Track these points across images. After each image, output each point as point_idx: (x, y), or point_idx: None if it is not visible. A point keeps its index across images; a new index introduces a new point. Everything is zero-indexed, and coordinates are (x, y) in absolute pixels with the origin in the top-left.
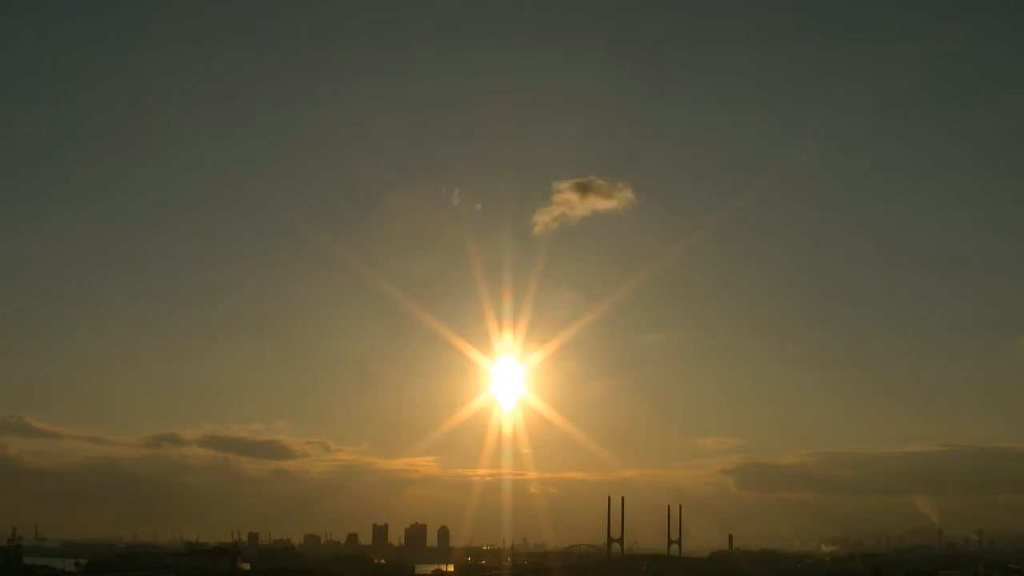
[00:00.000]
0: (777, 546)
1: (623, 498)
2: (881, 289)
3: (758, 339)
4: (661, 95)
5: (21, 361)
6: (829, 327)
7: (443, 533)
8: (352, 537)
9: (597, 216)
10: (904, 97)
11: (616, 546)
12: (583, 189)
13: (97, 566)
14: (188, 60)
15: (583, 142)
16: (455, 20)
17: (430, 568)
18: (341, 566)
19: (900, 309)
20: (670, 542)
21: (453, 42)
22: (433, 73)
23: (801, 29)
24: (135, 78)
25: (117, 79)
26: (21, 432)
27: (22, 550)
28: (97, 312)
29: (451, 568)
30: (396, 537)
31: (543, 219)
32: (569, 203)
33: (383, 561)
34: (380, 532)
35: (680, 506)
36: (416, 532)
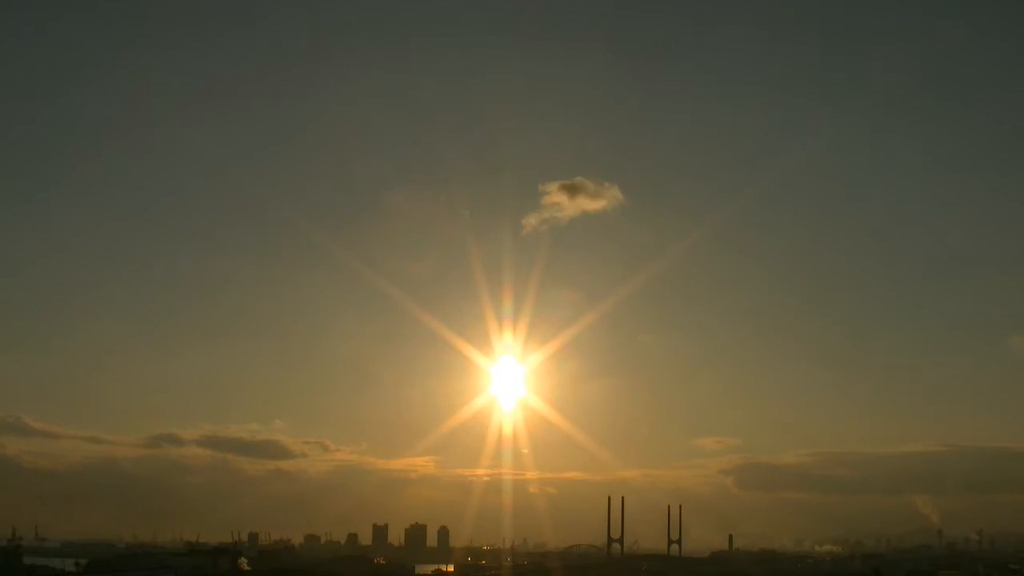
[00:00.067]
0: (772, 546)
1: (623, 498)
2: (881, 288)
3: (757, 339)
4: (661, 94)
5: (18, 361)
6: (828, 327)
7: (443, 533)
8: (352, 537)
9: (597, 216)
10: (905, 95)
11: (616, 546)
12: (582, 188)
13: (97, 566)
14: (187, 57)
15: (583, 141)
16: (455, 18)
17: (430, 568)
18: (341, 566)
19: (900, 308)
20: (670, 542)
21: (453, 40)
22: (433, 71)
23: (801, 28)
24: (133, 75)
25: (114, 76)
26: (19, 432)
27: (22, 550)
28: (94, 311)
29: (451, 568)
30: (396, 537)
31: (542, 218)
32: (569, 203)
33: (383, 561)
34: (380, 532)
35: (680, 506)
36: (416, 532)
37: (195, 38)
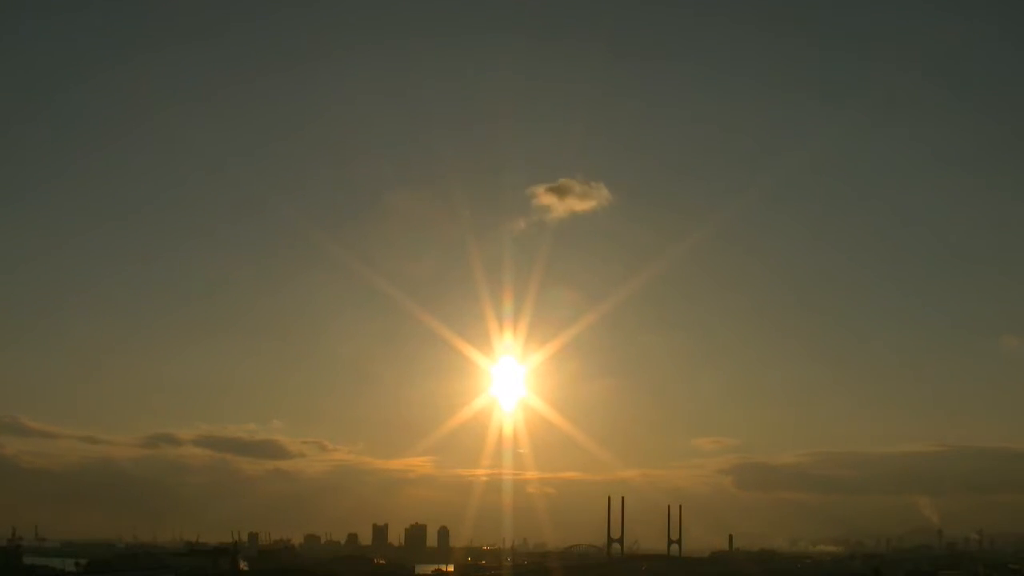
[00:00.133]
0: (768, 546)
1: (623, 498)
2: (879, 288)
3: (755, 339)
4: (661, 93)
5: (15, 360)
6: (826, 326)
7: (443, 533)
8: (352, 537)
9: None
10: (905, 94)
11: (616, 546)
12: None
13: (97, 566)
14: (186, 55)
15: (584, 140)
16: (454, 17)
17: (430, 568)
18: (341, 566)
19: (898, 308)
20: (670, 542)
21: (452, 38)
22: (432, 70)
23: (801, 26)
24: (131, 72)
25: (113, 74)
26: (16, 432)
27: (22, 550)
28: (92, 310)
29: (451, 568)
30: (396, 537)
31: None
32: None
33: (383, 561)
34: (380, 532)
35: (680, 506)
36: (416, 532)
37: (194, 36)
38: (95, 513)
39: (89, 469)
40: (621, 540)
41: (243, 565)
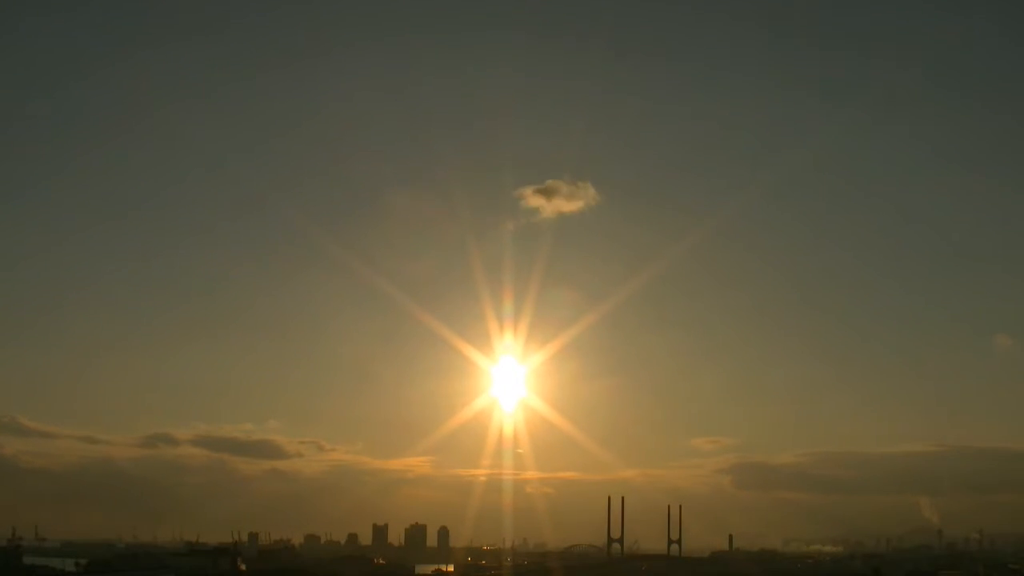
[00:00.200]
0: (762, 546)
1: (623, 498)
2: (878, 287)
3: (753, 339)
4: (662, 92)
5: (13, 360)
6: (824, 326)
7: (443, 533)
8: (352, 537)
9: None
10: (905, 92)
11: (616, 546)
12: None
13: (97, 566)
14: (185, 52)
15: (584, 139)
16: (454, 14)
17: (430, 568)
18: (341, 566)
19: (897, 306)
20: (670, 542)
21: (452, 36)
22: (432, 68)
23: (801, 26)
24: (131, 70)
25: (112, 71)
26: (14, 432)
27: (22, 550)
28: (90, 309)
29: (451, 568)
30: (396, 537)
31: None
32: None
33: (383, 561)
34: (380, 532)
35: (680, 506)
36: (416, 532)
37: (194, 33)
38: (95, 513)
39: (88, 469)
40: (621, 540)
41: (242, 565)
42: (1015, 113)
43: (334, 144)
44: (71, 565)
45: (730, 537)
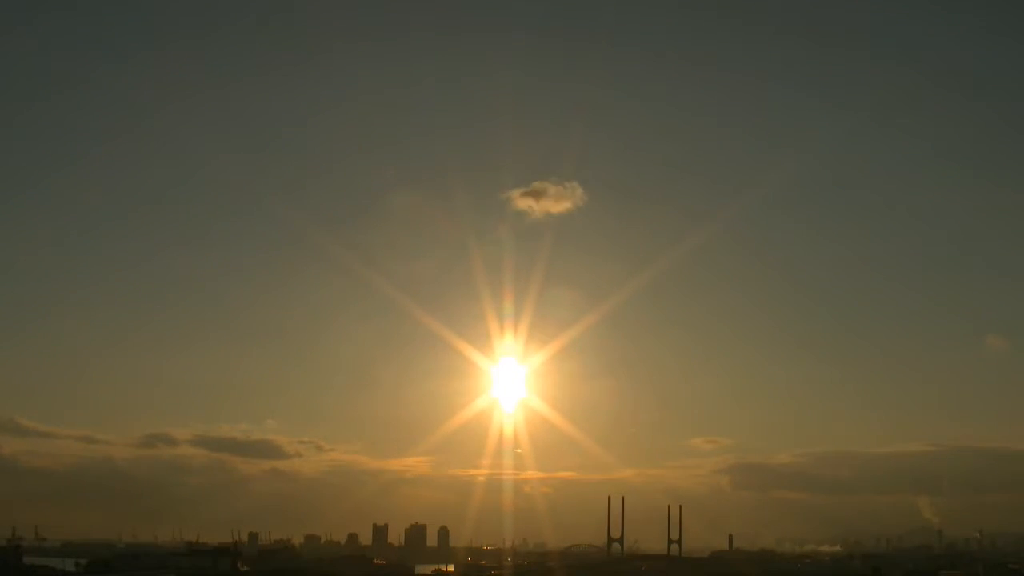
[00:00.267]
0: (757, 545)
1: (623, 498)
2: (875, 288)
3: (750, 339)
4: (661, 93)
5: (10, 360)
6: (821, 327)
7: (443, 533)
8: (352, 537)
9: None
10: (905, 94)
11: (616, 546)
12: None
13: (97, 566)
14: (185, 54)
15: (584, 139)
16: (454, 15)
17: (430, 568)
18: (341, 566)
19: (894, 307)
20: (670, 542)
21: (452, 38)
22: (432, 69)
23: (802, 25)
24: (130, 71)
25: (111, 72)
26: (12, 432)
27: (22, 550)
28: (87, 310)
29: (451, 568)
30: (396, 537)
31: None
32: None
33: (383, 561)
34: (380, 532)
35: (680, 506)
36: (416, 532)
37: (193, 34)
38: (95, 513)
39: (87, 469)
40: (621, 540)
41: (242, 566)
42: (1015, 113)
43: (334, 145)
44: (71, 565)
45: (730, 537)
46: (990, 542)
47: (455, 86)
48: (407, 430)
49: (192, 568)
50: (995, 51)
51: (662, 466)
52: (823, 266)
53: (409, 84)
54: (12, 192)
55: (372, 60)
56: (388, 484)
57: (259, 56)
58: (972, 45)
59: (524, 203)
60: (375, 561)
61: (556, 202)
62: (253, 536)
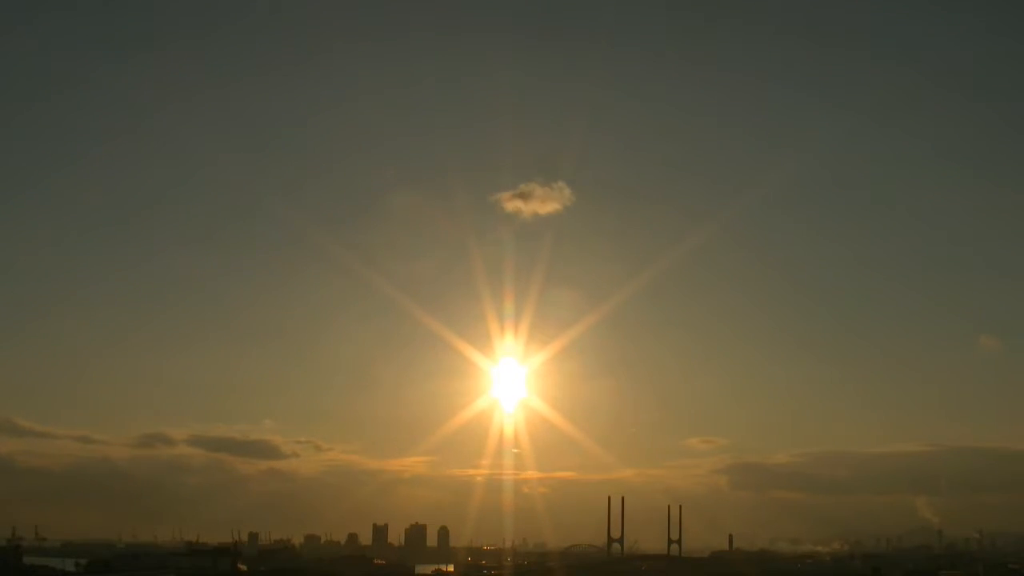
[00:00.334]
0: (753, 545)
1: (623, 498)
2: (872, 288)
3: (747, 339)
4: (661, 93)
5: (7, 360)
6: (818, 327)
7: (443, 533)
8: (352, 537)
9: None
10: (905, 95)
11: (616, 546)
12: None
13: (97, 566)
14: (185, 54)
15: (584, 140)
16: (455, 16)
17: (430, 568)
18: (341, 566)
19: (891, 307)
20: (670, 542)
21: (453, 37)
22: (433, 69)
23: (802, 25)
24: (130, 72)
25: (111, 72)
26: (9, 432)
27: (22, 550)
28: (84, 310)
29: (451, 568)
30: (396, 537)
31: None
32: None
33: (383, 561)
34: (380, 532)
35: (680, 506)
36: (416, 532)
37: (193, 35)
38: (94, 513)
39: (85, 468)
40: (621, 540)
41: (242, 565)
42: (1015, 113)
43: (334, 145)
44: (71, 565)
45: (730, 537)
46: (990, 542)
47: (455, 86)
48: (407, 430)
49: (192, 568)
50: (995, 51)
51: (660, 466)
52: (822, 266)
53: (409, 84)
54: (12, 192)
55: (372, 60)
56: (387, 484)
57: (259, 56)
58: (972, 45)
59: (525, 203)
60: (375, 561)
61: (557, 202)
62: (253, 536)
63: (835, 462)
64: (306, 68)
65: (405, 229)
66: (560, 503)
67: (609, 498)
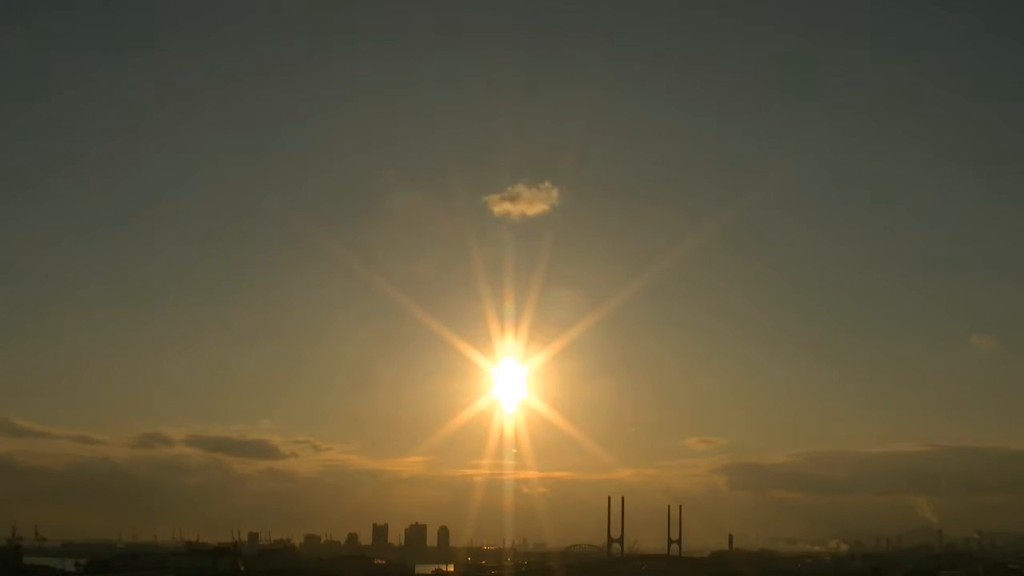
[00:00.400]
0: (748, 545)
1: (623, 498)
2: (870, 288)
3: (744, 340)
4: (661, 93)
5: (4, 360)
6: (816, 327)
7: (443, 533)
8: (352, 537)
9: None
10: (907, 93)
11: (616, 546)
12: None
13: (97, 566)
14: (185, 54)
15: (583, 140)
16: (455, 16)
17: (430, 568)
18: (341, 566)
19: (888, 307)
20: (670, 542)
21: (453, 38)
22: (433, 70)
23: (802, 25)
24: (129, 71)
25: (111, 72)
26: (7, 432)
27: (22, 550)
28: (83, 310)
29: (451, 568)
30: (396, 537)
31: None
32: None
33: (383, 561)
34: (380, 532)
35: (680, 506)
36: (416, 532)
37: (193, 35)
38: (94, 513)
39: (85, 468)
40: (621, 540)
41: (242, 566)
42: (1015, 113)
43: (334, 145)
44: (71, 565)
45: (730, 537)
46: (990, 542)
47: (455, 86)
48: (407, 430)
49: (192, 568)
50: (995, 51)
51: (657, 466)
52: (822, 266)
53: (409, 84)
54: (12, 192)
55: (372, 60)
56: (387, 484)
57: (259, 56)
58: (972, 45)
59: (526, 203)
60: (375, 561)
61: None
62: (253, 536)
63: (834, 462)
64: (306, 68)
65: (405, 229)
66: (560, 503)
67: (609, 498)
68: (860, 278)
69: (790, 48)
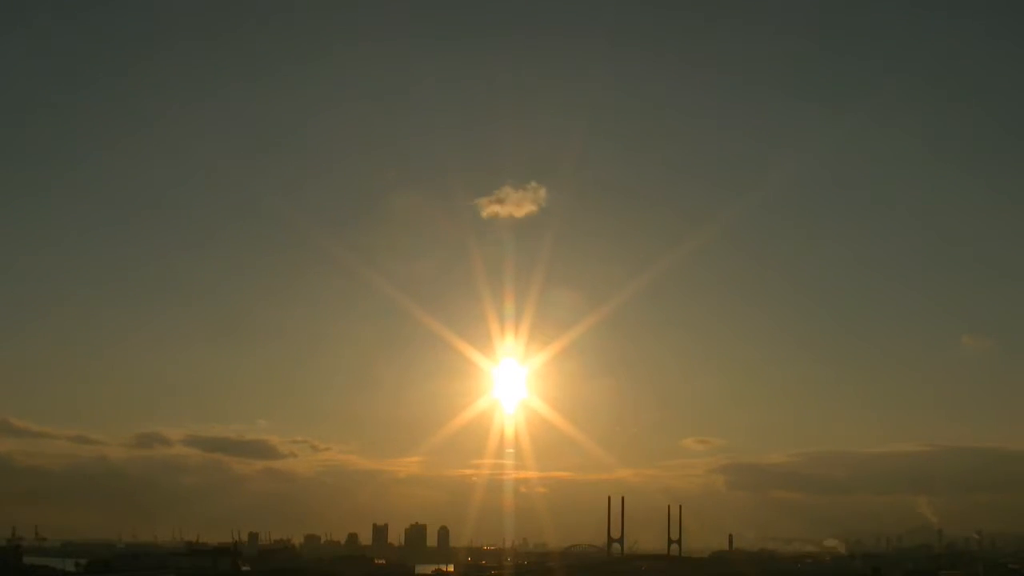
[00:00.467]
0: (745, 545)
1: (623, 498)
2: (869, 288)
3: (743, 340)
4: (661, 93)
5: (3, 360)
6: (815, 327)
7: (443, 533)
8: (352, 537)
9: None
10: (907, 93)
11: (616, 546)
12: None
13: (97, 566)
14: (185, 55)
15: (583, 140)
16: (455, 16)
17: (430, 568)
18: (341, 566)
19: (888, 307)
20: (670, 542)
21: (453, 38)
22: (433, 69)
23: (802, 25)
24: (128, 73)
25: (110, 74)
26: (5, 432)
27: (22, 550)
28: (81, 310)
29: (451, 568)
30: (396, 537)
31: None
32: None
33: (383, 561)
34: (380, 532)
35: (680, 506)
36: (416, 532)
37: (194, 37)
38: (94, 513)
39: (83, 468)
40: (621, 540)
41: (242, 566)
42: (1015, 113)
43: (333, 145)
44: (71, 565)
45: (730, 537)
46: (990, 542)
47: (455, 86)
48: (407, 430)
49: (192, 568)
50: (995, 51)
51: (657, 466)
52: (822, 266)
53: (409, 84)
54: (12, 192)
55: (372, 60)
56: (386, 484)
57: (259, 56)
58: (972, 45)
59: (526, 203)
60: (375, 561)
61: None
62: (253, 536)
63: (834, 462)
64: (306, 68)
65: (405, 229)
66: (560, 503)
67: (609, 498)
68: (860, 278)
69: (790, 48)
